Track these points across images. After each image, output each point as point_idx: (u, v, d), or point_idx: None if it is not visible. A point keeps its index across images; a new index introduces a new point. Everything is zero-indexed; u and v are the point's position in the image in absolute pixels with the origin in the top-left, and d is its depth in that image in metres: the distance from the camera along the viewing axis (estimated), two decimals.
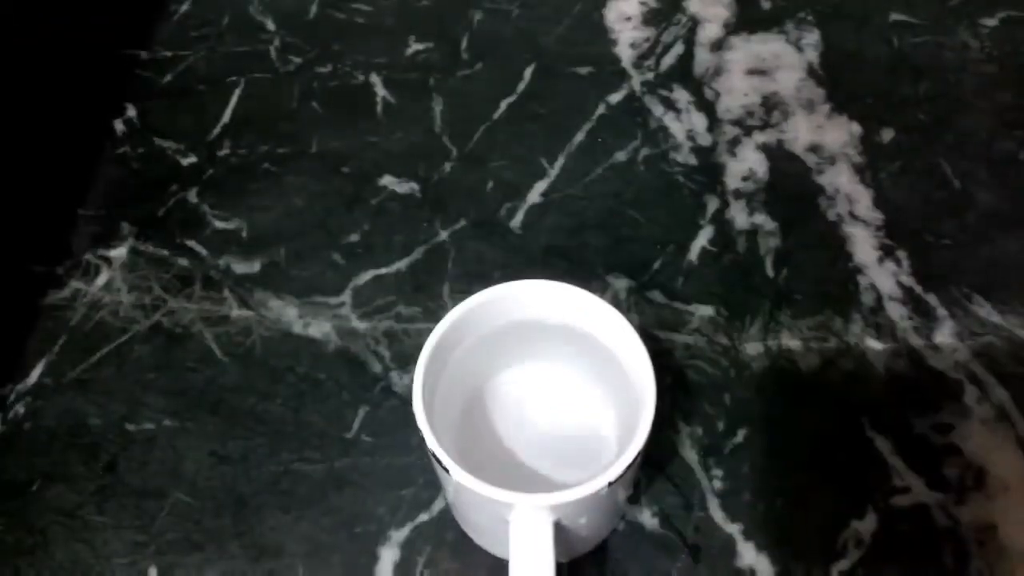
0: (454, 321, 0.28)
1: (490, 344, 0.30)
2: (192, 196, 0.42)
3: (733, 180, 0.41)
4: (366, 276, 0.39)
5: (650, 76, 0.45)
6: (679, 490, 0.32)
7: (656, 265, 0.38)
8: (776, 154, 0.42)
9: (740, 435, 0.33)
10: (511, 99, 0.45)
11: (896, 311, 0.36)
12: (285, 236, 0.40)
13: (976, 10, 0.47)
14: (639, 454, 0.25)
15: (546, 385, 0.33)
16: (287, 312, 0.38)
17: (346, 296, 0.38)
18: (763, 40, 0.47)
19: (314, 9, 0.49)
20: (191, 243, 0.40)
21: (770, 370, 0.35)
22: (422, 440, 0.26)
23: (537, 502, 0.25)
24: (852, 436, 0.33)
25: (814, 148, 0.42)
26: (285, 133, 0.44)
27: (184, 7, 0.50)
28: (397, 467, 0.33)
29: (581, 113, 0.44)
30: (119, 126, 0.45)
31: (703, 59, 0.46)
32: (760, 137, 0.43)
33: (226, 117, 0.45)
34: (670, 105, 0.44)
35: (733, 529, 0.31)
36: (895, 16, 0.47)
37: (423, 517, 0.32)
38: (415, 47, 0.47)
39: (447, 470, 0.25)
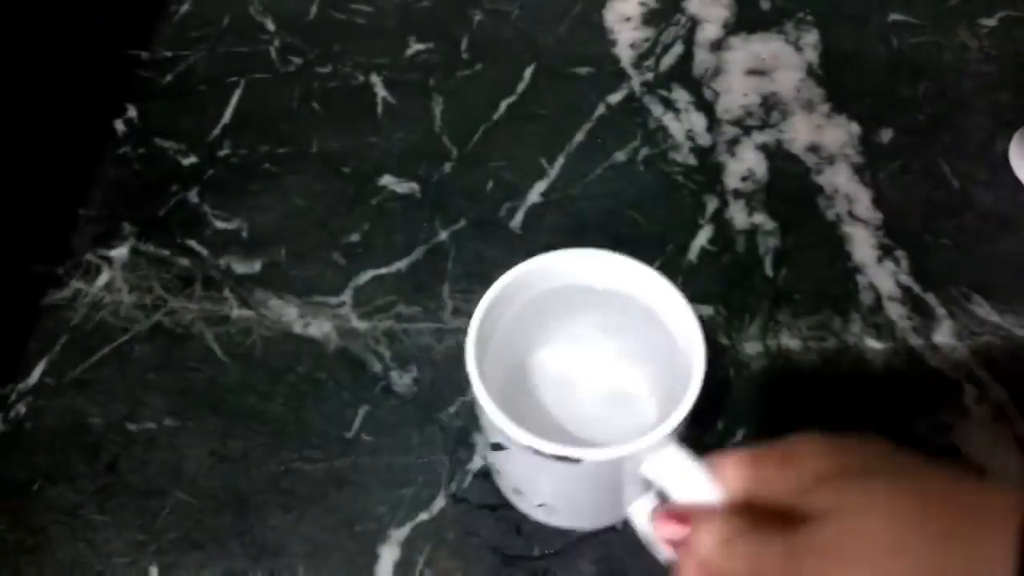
0: (504, 287, 0.29)
1: (535, 311, 0.30)
2: (193, 196, 0.42)
3: (732, 180, 0.41)
4: (366, 276, 0.39)
5: (649, 76, 0.45)
6: None
7: (656, 265, 0.38)
8: (775, 154, 0.42)
9: (740, 435, 0.33)
10: (511, 99, 0.45)
11: (895, 311, 0.37)
12: (285, 236, 0.40)
13: (975, 10, 0.47)
14: (696, 399, 0.26)
15: (588, 357, 0.33)
16: (287, 312, 0.38)
17: (346, 296, 0.38)
18: (762, 40, 0.47)
19: (314, 10, 0.49)
20: (192, 243, 0.40)
21: (769, 370, 0.35)
22: (493, 435, 0.26)
23: (655, 440, 0.25)
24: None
25: (813, 148, 0.42)
26: (285, 133, 0.44)
27: (184, 8, 0.50)
28: (397, 466, 0.33)
29: (581, 113, 0.44)
30: (120, 126, 0.45)
31: (702, 59, 0.46)
32: (759, 137, 0.43)
33: (226, 117, 0.45)
34: (669, 105, 0.44)
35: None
36: (894, 16, 0.47)
37: (423, 516, 0.32)
38: (415, 48, 0.47)
39: (566, 457, 0.25)
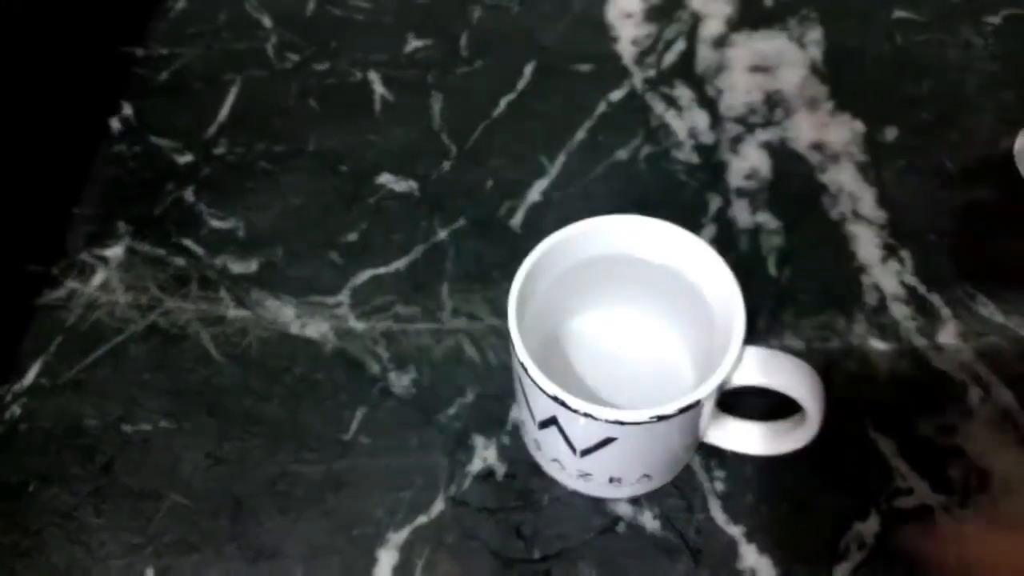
0: (542, 253, 0.29)
1: (573, 279, 0.30)
2: (189, 195, 0.41)
3: (735, 178, 0.41)
4: (364, 276, 0.38)
5: (652, 73, 0.45)
6: (681, 492, 0.32)
7: None
8: (779, 152, 0.42)
9: None
10: (511, 97, 0.44)
11: (899, 311, 0.36)
12: (282, 235, 0.40)
13: (980, 8, 0.47)
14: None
15: (622, 325, 0.33)
16: (284, 312, 0.37)
17: (344, 296, 0.38)
18: (765, 37, 0.46)
19: (311, 6, 0.49)
20: (187, 242, 0.40)
21: None
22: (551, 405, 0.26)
23: (735, 354, 0.27)
24: (855, 437, 0.33)
25: (817, 146, 0.42)
26: (282, 131, 0.44)
27: (180, 4, 0.49)
28: (395, 468, 0.33)
29: (582, 111, 0.43)
30: (115, 124, 0.44)
31: (705, 56, 0.46)
32: (763, 135, 0.42)
33: (223, 115, 0.44)
34: (672, 103, 0.44)
35: (735, 531, 0.31)
36: (898, 13, 0.47)
37: (422, 519, 0.32)
38: (414, 44, 0.47)
39: (695, 405, 0.25)
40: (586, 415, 0.25)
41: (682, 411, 0.26)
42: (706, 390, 0.26)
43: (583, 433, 0.27)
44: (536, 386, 0.26)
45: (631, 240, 0.30)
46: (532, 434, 0.30)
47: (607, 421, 0.25)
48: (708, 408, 0.28)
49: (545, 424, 0.28)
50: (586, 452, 0.28)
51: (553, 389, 0.26)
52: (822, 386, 0.28)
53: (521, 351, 0.26)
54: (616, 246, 0.30)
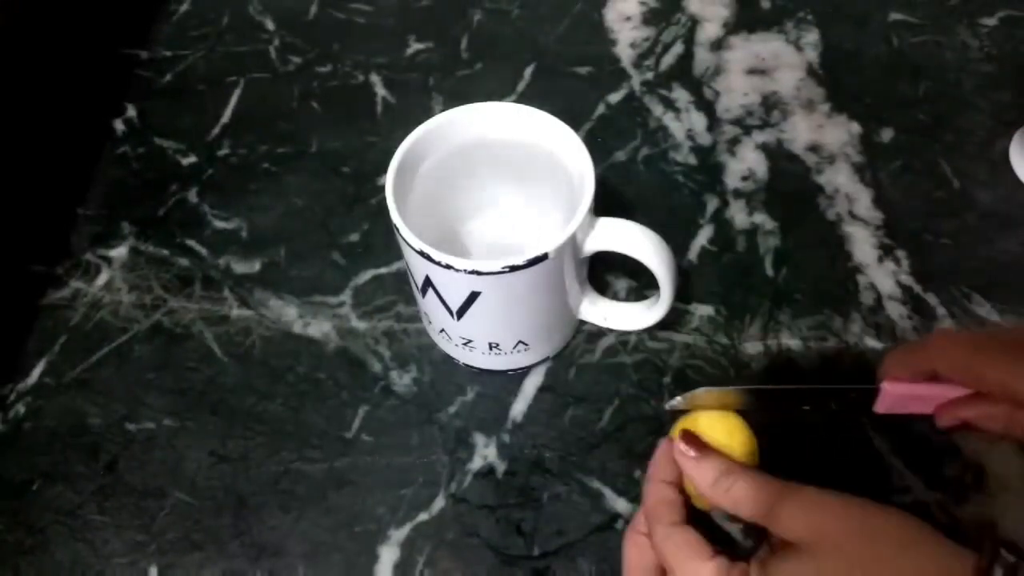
0: (415, 141, 0.31)
1: (450, 169, 0.33)
2: (192, 196, 0.42)
3: (733, 179, 0.41)
4: (366, 276, 0.39)
5: (650, 76, 0.45)
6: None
7: None
8: (776, 153, 0.42)
9: None
10: (511, 99, 0.45)
11: (895, 310, 0.36)
12: (285, 236, 0.40)
13: (975, 9, 0.47)
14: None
15: (511, 214, 0.36)
16: (287, 312, 0.38)
17: (346, 296, 0.38)
18: (763, 40, 0.47)
19: (314, 9, 0.49)
20: (191, 243, 0.40)
21: (769, 369, 0.35)
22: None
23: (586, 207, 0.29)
24: (852, 436, 0.33)
25: (814, 147, 0.42)
26: (285, 133, 0.44)
27: (184, 7, 0.50)
28: (397, 466, 0.33)
29: (581, 113, 0.44)
30: (119, 126, 0.45)
31: (703, 59, 0.46)
32: (759, 136, 0.43)
33: (226, 117, 0.45)
34: (670, 105, 0.44)
35: (732, 528, 0.31)
36: (895, 16, 0.47)
37: (423, 516, 0.32)
38: (415, 47, 0.47)
39: (537, 258, 0.27)
40: (447, 266, 0.28)
41: (531, 263, 0.27)
42: (552, 244, 0.27)
43: (453, 290, 0.29)
44: (407, 244, 0.28)
45: (503, 126, 0.32)
46: (422, 308, 0.33)
47: (466, 272, 0.28)
48: (569, 270, 0.30)
49: (424, 289, 0.30)
50: (460, 312, 0.30)
51: (419, 244, 0.28)
52: (671, 254, 0.30)
53: (394, 213, 0.29)
54: (483, 131, 0.32)
